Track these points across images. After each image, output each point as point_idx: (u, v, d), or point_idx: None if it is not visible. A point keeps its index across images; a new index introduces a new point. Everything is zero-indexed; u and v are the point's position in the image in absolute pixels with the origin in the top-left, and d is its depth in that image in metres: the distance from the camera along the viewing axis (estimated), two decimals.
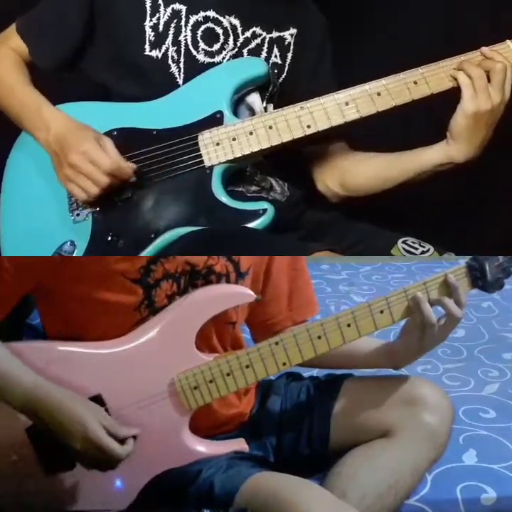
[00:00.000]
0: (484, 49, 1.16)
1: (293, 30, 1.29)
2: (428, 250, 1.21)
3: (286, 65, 1.29)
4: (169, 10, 1.21)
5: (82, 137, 1.16)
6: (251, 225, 1.14)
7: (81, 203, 1.20)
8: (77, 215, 1.22)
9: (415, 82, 1.15)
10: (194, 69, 1.21)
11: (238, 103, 1.22)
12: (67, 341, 1.07)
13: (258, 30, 1.25)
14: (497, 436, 1.44)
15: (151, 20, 1.21)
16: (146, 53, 1.21)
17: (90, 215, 1.21)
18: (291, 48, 1.29)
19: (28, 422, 1.03)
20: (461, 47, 1.16)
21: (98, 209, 1.20)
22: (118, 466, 1.02)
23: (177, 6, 1.21)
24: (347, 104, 1.16)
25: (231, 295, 1.12)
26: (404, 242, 1.22)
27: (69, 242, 1.21)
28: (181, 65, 1.21)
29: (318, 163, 1.34)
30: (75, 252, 1.20)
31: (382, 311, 1.11)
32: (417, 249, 1.21)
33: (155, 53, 1.21)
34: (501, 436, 1.43)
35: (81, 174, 1.15)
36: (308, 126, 1.16)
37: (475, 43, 1.16)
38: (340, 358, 1.19)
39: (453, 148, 1.18)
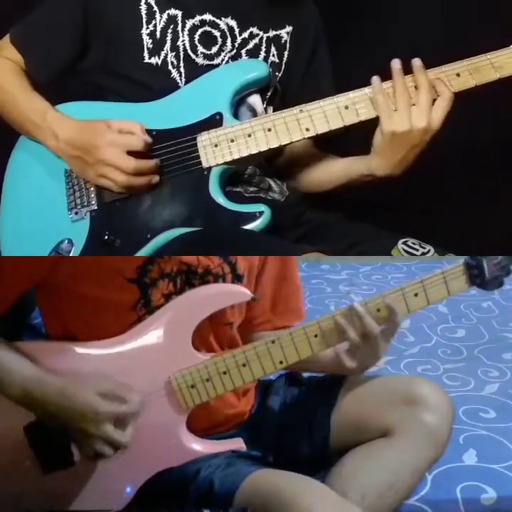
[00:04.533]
0: (433, 73, 1.13)
1: (289, 28, 1.29)
2: (428, 251, 1.21)
3: (283, 64, 1.29)
4: (165, 16, 1.21)
5: (99, 131, 1.16)
6: (248, 227, 1.15)
7: (117, 191, 1.19)
8: (76, 213, 1.22)
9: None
10: (194, 73, 1.21)
11: (239, 104, 1.22)
12: (66, 341, 1.08)
13: (255, 30, 1.25)
14: (497, 436, 1.44)
15: (147, 28, 1.21)
16: (145, 61, 1.21)
17: (88, 214, 1.22)
18: (288, 45, 1.29)
19: (25, 420, 1.03)
20: (461, 48, 1.16)
21: (96, 208, 1.21)
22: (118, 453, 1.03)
23: (172, 11, 1.21)
24: (347, 107, 1.15)
25: (227, 294, 1.13)
26: (404, 242, 1.22)
27: (67, 241, 1.21)
28: (182, 69, 1.22)
29: (285, 157, 1.35)
30: (73, 251, 1.20)
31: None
32: (417, 250, 1.21)
33: (154, 60, 1.21)
34: (501, 436, 1.44)
35: (109, 166, 1.15)
36: (307, 129, 1.16)
37: (475, 44, 1.15)
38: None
39: (374, 163, 1.19)
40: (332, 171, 1.30)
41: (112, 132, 1.15)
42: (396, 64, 1.13)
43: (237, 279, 1.16)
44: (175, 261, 1.10)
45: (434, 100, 1.13)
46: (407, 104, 1.12)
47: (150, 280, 1.08)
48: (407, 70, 1.14)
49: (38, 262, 1.08)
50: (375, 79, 1.14)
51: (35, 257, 1.09)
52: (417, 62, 1.13)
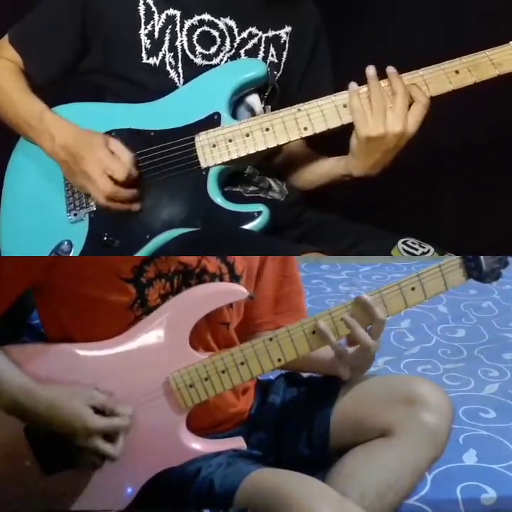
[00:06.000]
0: (407, 78, 1.13)
1: (288, 28, 1.29)
2: (428, 251, 1.21)
3: (282, 64, 1.30)
4: (163, 16, 1.21)
5: (93, 144, 1.17)
6: (246, 227, 1.15)
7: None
8: (75, 215, 1.23)
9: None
10: (193, 73, 1.21)
11: (238, 104, 1.22)
12: (64, 343, 1.08)
13: (254, 30, 1.25)
14: (497, 436, 1.44)
15: (145, 28, 1.21)
16: (143, 61, 1.21)
17: (87, 215, 1.22)
18: (287, 46, 1.29)
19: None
20: (461, 48, 1.16)
21: (95, 209, 1.21)
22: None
23: (171, 11, 1.22)
24: (345, 106, 1.15)
25: (224, 292, 1.13)
26: (404, 242, 1.22)
27: (66, 242, 1.22)
28: (180, 70, 1.22)
29: (280, 157, 1.36)
30: (72, 252, 1.21)
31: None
32: (417, 249, 1.21)
33: (152, 61, 1.21)
34: (501, 436, 1.43)
35: (93, 182, 1.16)
36: (305, 129, 1.16)
37: (475, 44, 1.15)
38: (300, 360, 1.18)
39: (351, 164, 1.21)
40: (318, 170, 1.31)
41: (104, 150, 1.16)
42: (370, 70, 1.14)
43: (234, 279, 1.16)
44: (172, 261, 1.10)
45: (410, 105, 1.13)
46: (383, 109, 1.13)
47: (146, 280, 1.08)
48: (403, 72, 1.14)
49: (35, 262, 1.07)
50: (352, 84, 1.15)
51: (32, 257, 1.09)
52: (390, 70, 1.14)
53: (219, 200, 1.17)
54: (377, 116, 1.13)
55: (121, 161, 1.16)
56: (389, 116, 1.12)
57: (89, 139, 1.18)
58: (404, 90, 1.12)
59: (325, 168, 1.29)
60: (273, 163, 1.34)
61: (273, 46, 1.28)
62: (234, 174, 1.23)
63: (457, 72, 1.14)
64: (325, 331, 1.09)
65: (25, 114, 1.22)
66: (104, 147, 1.16)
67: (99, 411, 1.02)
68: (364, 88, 1.14)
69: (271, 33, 1.27)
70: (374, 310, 1.09)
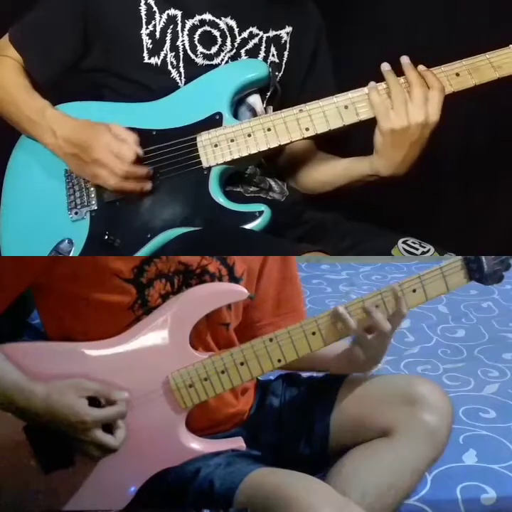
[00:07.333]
0: (420, 67, 1.14)
1: (289, 29, 1.29)
2: (428, 250, 1.21)
3: (283, 64, 1.30)
4: (164, 16, 1.21)
5: (97, 131, 1.16)
6: (248, 226, 1.15)
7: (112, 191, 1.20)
8: (76, 213, 1.23)
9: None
10: (194, 73, 1.21)
11: (239, 104, 1.22)
12: (64, 342, 1.08)
13: (255, 30, 1.25)
14: (497, 436, 1.44)
15: (147, 28, 1.21)
16: (145, 61, 1.21)
17: (88, 213, 1.22)
18: (288, 46, 1.30)
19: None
20: (462, 48, 1.16)
21: (96, 208, 1.21)
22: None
23: (172, 11, 1.22)
24: (346, 107, 1.16)
25: (225, 292, 1.13)
26: (404, 242, 1.22)
27: (67, 240, 1.22)
28: (181, 69, 1.22)
29: (286, 158, 1.35)
30: (73, 250, 1.21)
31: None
32: (417, 249, 1.21)
33: (154, 60, 1.22)
34: (501, 436, 1.43)
35: (103, 167, 1.16)
36: (307, 129, 1.16)
37: (476, 44, 1.15)
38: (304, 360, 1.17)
39: (377, 163, 1.19)
40: (332, 172, 1.30)
41: (109, 135, 1.16)
42: (385, 66, 1.15)
43: (234, 281, 1.16)
44: (172, 261, 1.10)
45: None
46: (403, 101, 1.13)
47: (146, 280, 1.08)
48: (402, 73, 1.15)
49: (35, 262, 1.08)
50: (371, 82, 1.15)
51: (31, 257, 1.09)
52: (404, 60, 1.14)
53: (221, 199, 1.17)
54: (398, 109, 1.13)
55: (127, 142, 1.16)
56: (409, 107, 1.12)
57: (91, 128, 1.18)
58: (420, 79, 1.12)
59: (341, 169, 1.28)
60: (276, 164, 1.34)
61: (274, 46, 1.28)
62: (234, 174, 1.23)
63: (458, 74, 1.14)
64: (344, 316, 1.09)
65: (27, 110, 1.22)
66: (109, 132, 1.16)
67: (95, 402, 1.02)
68: (382, 85, 1.14)
69: (272, 33, 1.27)
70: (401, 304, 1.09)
